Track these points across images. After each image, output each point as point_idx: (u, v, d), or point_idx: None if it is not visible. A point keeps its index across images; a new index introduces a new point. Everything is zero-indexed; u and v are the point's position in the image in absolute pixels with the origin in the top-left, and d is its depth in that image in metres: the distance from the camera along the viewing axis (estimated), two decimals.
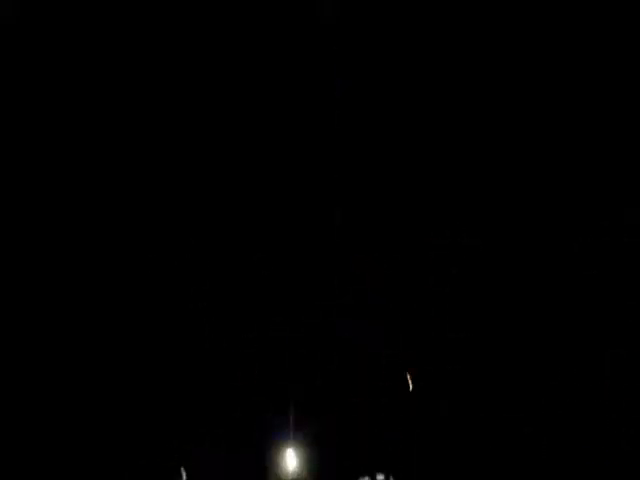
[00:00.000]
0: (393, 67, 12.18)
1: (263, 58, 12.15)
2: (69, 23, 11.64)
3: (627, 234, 11.41)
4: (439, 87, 12.08)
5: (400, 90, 12.25)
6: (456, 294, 11.57)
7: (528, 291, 11.80)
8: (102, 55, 11.72)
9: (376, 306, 11.51)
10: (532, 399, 11.28)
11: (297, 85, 12.14)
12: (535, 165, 11.92)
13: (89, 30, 11.67)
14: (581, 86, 11.74)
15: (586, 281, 11.53)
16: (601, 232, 11.51)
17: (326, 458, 10.99)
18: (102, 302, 11.37)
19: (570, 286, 11.59)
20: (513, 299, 11.70)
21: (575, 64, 11.73)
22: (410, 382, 11.18)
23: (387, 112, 12.16)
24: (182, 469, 11.11)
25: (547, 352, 11.48)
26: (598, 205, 11.66)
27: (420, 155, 12.02)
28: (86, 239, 11.70)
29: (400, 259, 11.82)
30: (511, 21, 12.00)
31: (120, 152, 12.12)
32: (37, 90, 11.81)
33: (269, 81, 12.16)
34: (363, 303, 11.51)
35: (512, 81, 12.08)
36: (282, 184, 12.14)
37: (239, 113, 12.12)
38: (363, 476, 11.01)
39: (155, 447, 11.02)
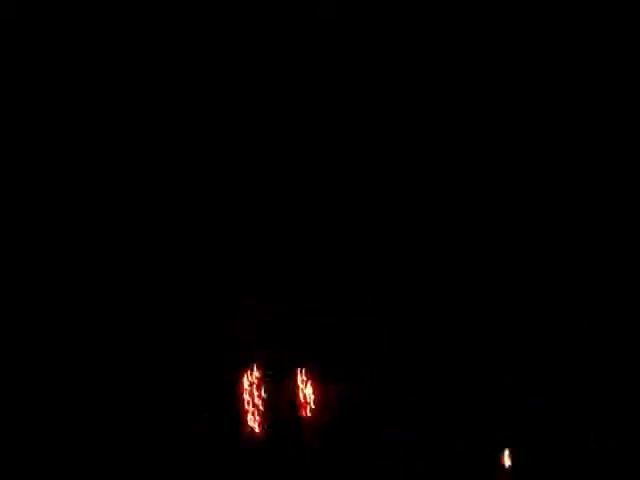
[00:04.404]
0: (392, 66, 12.17)
1: (263, 57, 12.13)
2: (69, 23, 11.61)
3: (627, 234, 11.44)
4: (438, 88, 12.09)
5: (400, 89, 12.26)
6: (456, 294, 11.58)
7: (528, 293, 11.84)
8: (109, 55, 11.69)
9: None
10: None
11: (297, 84, 12.12)
12: (533, 165, 11.94)
13: (91, 30, 11.64)
14: (581, 87, 11.75)
15: (586, 281, 11.57)
16: (600, 233, 11.54)
17: None
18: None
19: (570, 286, 11.62)
20: (513, 301, 11.74)
21: (575, 65, 11.73)
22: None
23: (387, 111, 12.16)
24: None
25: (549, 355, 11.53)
26: (597, 206, 11.69)
27: (420, 153, 12.03)
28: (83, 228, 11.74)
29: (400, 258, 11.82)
30: (508, 21, 12.01)
31: (120, 151, 12.11)
32: (37, 89, 11.79)
33: (269, 80, 12.15)
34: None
35: (511, 81, 12.10)
36: (282, 182, 12.14)
37: (239, 111, 12.11)
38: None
39: None
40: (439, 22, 12.51)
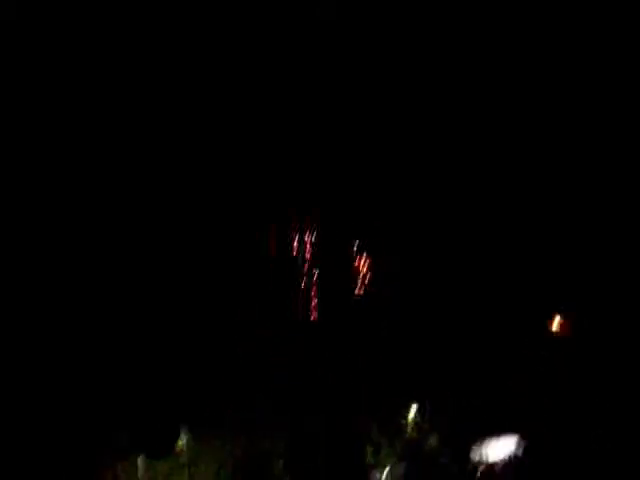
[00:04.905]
0: (391, 65, 12.21)
1: (263, 56, 12.17)
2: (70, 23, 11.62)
3: (627, 234, 11.47)
4: (437, 87, 12.13)
5: (399, 89, 12.30)
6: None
7: (527, 290, 11.88)
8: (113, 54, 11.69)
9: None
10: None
11: (296, 83, 12.16)
12: (529, 164, 11.98)
13: (90, 30, 11.65)
14: (581, 87, 11.78)
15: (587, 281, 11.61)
16: (601, 233, 11.57)
17: None
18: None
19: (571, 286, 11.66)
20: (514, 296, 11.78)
21: (575, 66, 11.77)
22: None
23: (385, 110, 12.20)
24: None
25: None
26: (597, 206, 11.73)
27: (418, 151, 12.07)
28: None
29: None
30: (508, 21, 12.06)
31: (120, 150, 12.15)
32: (37, 89, 11.81)
33: (269, 78, 12.18)
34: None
35: (509, 81, 12.14)
36: (281, 179, 12.19)
37: (238, 110, 12.15)
38: None
39: None
40: (438, 22, 12.55)
